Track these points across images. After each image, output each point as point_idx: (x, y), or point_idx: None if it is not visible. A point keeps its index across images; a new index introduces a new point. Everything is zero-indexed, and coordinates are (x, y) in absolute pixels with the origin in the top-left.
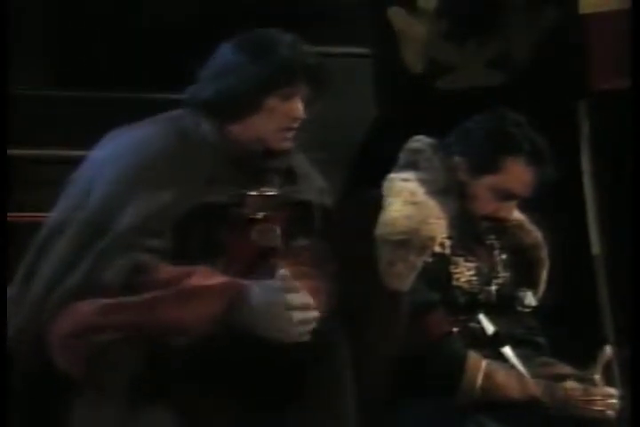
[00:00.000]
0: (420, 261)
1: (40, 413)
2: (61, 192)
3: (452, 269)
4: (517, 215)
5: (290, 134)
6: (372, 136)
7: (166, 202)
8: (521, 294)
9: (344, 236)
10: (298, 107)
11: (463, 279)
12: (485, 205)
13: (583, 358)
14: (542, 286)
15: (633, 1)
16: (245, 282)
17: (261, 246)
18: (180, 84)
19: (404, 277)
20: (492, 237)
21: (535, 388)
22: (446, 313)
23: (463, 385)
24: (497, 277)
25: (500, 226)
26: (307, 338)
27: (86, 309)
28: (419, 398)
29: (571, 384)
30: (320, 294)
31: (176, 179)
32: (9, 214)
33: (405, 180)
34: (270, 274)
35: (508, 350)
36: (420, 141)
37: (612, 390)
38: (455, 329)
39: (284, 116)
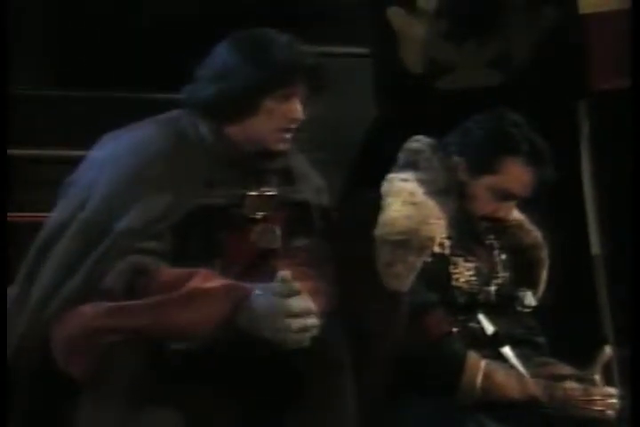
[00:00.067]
0: (419, 262)
1: (42, 414)
2: (59, 192)
3: (452, 269)
4: (517, 215)
5: (288, 135)
6: (371, 136)
7: (166, 204)
8: (520, 293)
9: (343, 236)
10: (297, 108)
11: (462, 279)
12: (485, 205)
13: (583, 358)
14: (542, 286)
15: (633, 1)
16: (248, 285)
17: (261, 248)
18: (180, 84)
19: (403, 277)
20: (492, 237)
21: (535, 388)
22: (446, 313)
23: (463, 385)
24: (496, 278)
25: (500, 226)
26: (306, 344)
27: (90, 311)
28: (419, 397)
29: (570, 384)
30: (319, 294)
31: (175, 180)
32: (9, 214)
33: (405, 180)
34: (270, 275)
35: (507, 350)
36: (419, 141)
37: (612, 390)
38: (455, 329)
39: (282, 118)
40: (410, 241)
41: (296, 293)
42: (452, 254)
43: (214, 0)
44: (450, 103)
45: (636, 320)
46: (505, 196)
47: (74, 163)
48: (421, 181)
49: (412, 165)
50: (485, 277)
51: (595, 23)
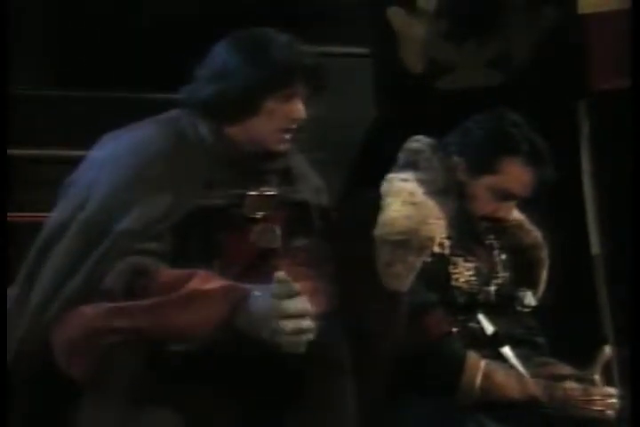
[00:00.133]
0: (419, 262)
1: (42, 416)
2: (59, 193)
3: (452, 269)
4: (517, 215)
5: (289, 135)
6: (371, 136)
7: (166, 204)
8: (520, 293)
9: (343, 236)
10: (298, 108)
11: (462, 279)
12: (484, 205)
13: (583, 358)
14: (542, 286)
15: (633, 1)
16: (247, 286)
17: (261, 248)
18: (180, 84)
19: (402, 277)
20: (492, 237)
21: (534, 388)
22: (445, 313)
23: (462, 385)
24: (496, 278)
25: (500, 226)
26: (302, 350)
27: (90, 312)
28: (419, 397)
29: (570, 384)
30: (319, 294)
31: (175, 180)
32: (9, 214)
33: (405, 180)
34: (270, 276)
35: (507, 350)
36: (419, 141)
37: (612, 390)
38: (454, 329)
39: (283, 118)
40: (409, 241)
41: (294, 294)
42: (452, 254)
43: (214, 0)
44: (450, 103)
45: (636, 320)
46: (505, 196)
47: (74, 163)
48: (421, 181)
49: (411, 165)
50: (485, 277)
51: (595, 23)
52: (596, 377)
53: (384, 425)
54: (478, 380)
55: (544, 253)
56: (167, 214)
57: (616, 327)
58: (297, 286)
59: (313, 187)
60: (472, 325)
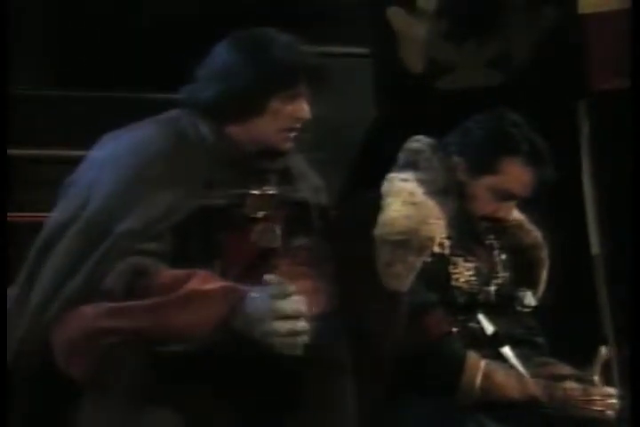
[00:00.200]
0: (418, 262)
1: (43, 414)
2: (59, 193)
3: (452, 269)
4: (517, 215)
5: (292, 135)
6: (371, 136)
7: (166, 205)
8: (520, 293)
9: (343, 236)
10: (303, 108)
11: (462, 279)
12: (485, 205)
13: (583, 358)
14: (542, 286)
15: (633, 1)
16: (245, 287)
17: (261, 247)
18: (180, 84)
19: (402, 277)
20: (492, 237)
21: (534, 388)
22: (445, 313)
23: (462, 385)
24: (496, 278)
25: (500, 226)
26: (299, 352)
27: (91, 312)
28: (419, 397)
29: (570, 384)
30: (319, 293)
31: (175, 180)
32: (9, 214)
33: (405, 180)
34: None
35: (507, 350)
36: (419, 141)
37: (612, 390)
38: (454, 329)
39: (288, 118)
40: (410, 241)
41: (288, 294)
42: (452, 254)
43: (214, 0)
44: (450, 103)
45: (636, 320)
46: (505, 196)
47: (74, 163)
48: (421, 181)
49: (412, 165)
50: (485, 277)
51: (595, 23)
52: (595, 378)
53: (384, 425)
54: (478, 380)
55: (544, 253)
56: (168, 214)
57: (616, 327)
58: (292, 286)
59: (312, 186)
60: (472, 325)
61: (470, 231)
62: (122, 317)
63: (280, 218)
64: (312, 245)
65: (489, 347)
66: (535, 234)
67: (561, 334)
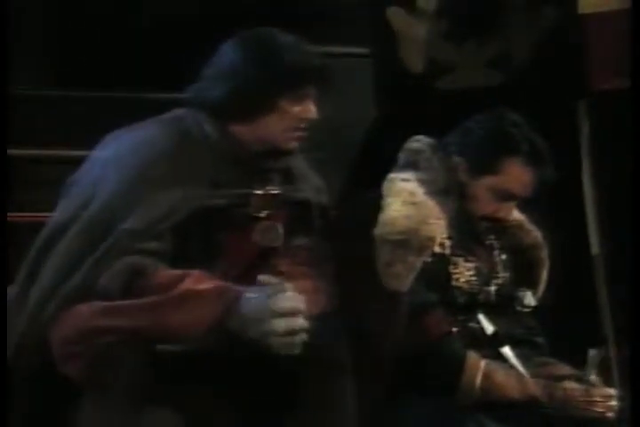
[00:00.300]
0: (419, 262)
1: (43, 414)
2: (61, 192)
3: (452, 269)
4: (517, 215)
5: (298, 135)
6: (371, 136)
7: (169, 204)
8: (520, 293)
9: (343, 236)
10: (311, 108)
11: (463, 279)
12: (485, 205)
13: (583, 358)
14: (542, 286)
15: (633, 1)
16: (240, 287)
17: (262, 247)
18: (180, 83)
19: (402, 277)
20: (492, 237)
21: (534, 388)
22: (446, 313)
23: (462, 385)
24: (496, 278)
25: (500, 226)
26: (296, 351)
27: (86, 311)
28: (419, 397)
29: (570, 384)
30: (319, 293)
31: (179, 180)
32: (9, 214)
33: (405, 180)
34: (270, 275)
35: (507, 350)
36: (419, 141)
37: (612, 392)
38: (454, 329)
39: (295, 118)
40: (410, 241)
41: (285, 293)
42: (453, 254)
43: (214, 0)
44: (450, 103)
45: (636, 320)
46: (505, 196)
47: (74, 163)
48: (422, 181)
49: (412, 165)
50: (485, 278)
51: (595, 23)
52: (592, 378)
53: (384, 425)
54: (478, 380)
55: (544, 254)
56: (169, 214)
57: (616, 327)
58: (288, 284)
59: (314, 186)
60: (472, 325)
61: (470, 231)
62: (117, 316)
63: (282, 217)
64: (312, 245)
65: (489, 347)
66: (535, 234)
67: (561, 334)
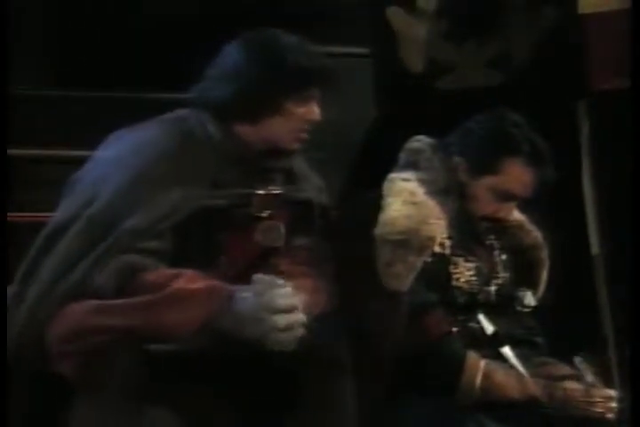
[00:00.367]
0: (419, 262)
1: (41, 413)
2: (62, 192)
3: (452, 269)
4: (517, 216)
5: (302, 135)
6: (371, 136)
7: (171, 203)
8: (520, 293)
9: (343, 236)
10: (315, 110)
11: (463, 279)
12: (485, 205)
13: (583, 358)
14: (542, 286)
15: (633, 1)
16: (232, 287)
17: (264, 246)
18: (180, 83)
19: (402, 277)
20: (492, 237)
21: (534, 388)
22: (445, 313)
23: (462, 385)
24: (496, 278)
25: (500, 226)
26: (291, 347)
27: (79, 310)
28: (419, 397)
29: (570, 384)
30: (319, 293)
31: (181, 180)
32: (9, 214)
33: (405, 180)
34: (270, 275)
35: (507, 350)
36: (420, 141)
37: (612, 393)
38: (454, 329)
39: (299, 119)
40: (410, 241)
41: (281, 289)
42: (453, 254)
43: (214, 0)
44: (450, 103)
45: (636, 320)
46: (505, 196)
47: (74, 163)
48: (422, 181)
49: (412, 165)
50: (485, 278)
51: (595, 23)
52: (591, 380)
53: (384, 425)
54: (478, 380)
55: (544, 254)
56: (171, 213)
57: (616, 327)
58: (282, 281)
59: (315, 186)
60: (472, 325)
61: (471, 231)
62: (110, 315)
63: (284, 217)
64: (312, 245)
65: (489, 347)
66: (535, 234)
67: (561, 334)
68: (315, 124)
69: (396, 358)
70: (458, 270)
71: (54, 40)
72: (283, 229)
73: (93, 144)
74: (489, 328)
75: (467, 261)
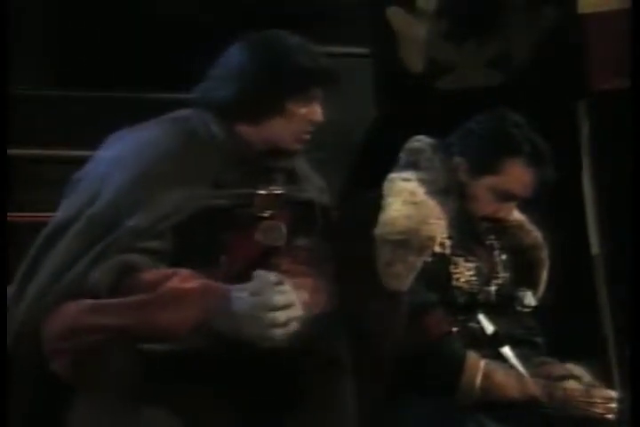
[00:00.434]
0: (419, 262)
1: (40, 412)
2: (63, 192)
3: (452, 269)
4: (517, 216)
5: (304, 136)
6: (371, 136)
7: (172, 205)
8: (520, 293)
9: (343, 236)
10: (317, 111)
11: (463, 279)
12: (485, 205)
13: (583, 357)
14: (542, 286)
15: (633, 1)
16: (226, 286)
17: (265, 246)
18: (181, 83)
19: (402, 277)
20: (492, 237)
21: (534, 388)
22: (446, 313)
23: (462, 385)
24: (497, 278)
25: (500, 226)
26: (285, 343)
27: (74, 308)
28: (419, 397)
29: (570, 384)
30: (320, 292)
31: (183, 180)
32: (9, 214)
33: (406, 179)
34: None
35: (507, 350)
36: (420, 141)
37: (612, 393)
38: (454, 329)
39: (302, 121)
40: (410, 241)
41: (278, 286)
42: (453, 254)
43: (214, 0)
44: (450, 103)
45: (636, 320)
46: (506, 196)
47: (74, 163)
48: (422, 181)
49: (413, 165)
50: (485, 278)
51: (595, 23)
52: (589, 381)
53: (384, 425)
54: (478, 380)
55: (544, 254)
56: (172, 213)
57: (616, 327)
58: (278, 277)
59: (317, 186)
60: (472, 325)
61: (471, 231)
62: (105, 314)
63: (285, 217)
64: (313, 245)
65: (489, 347)
66: (535, 234)
67: (561, 334)
68: (317, 125)
69: (396, 358)
70: (458, 270)
71: (54, 40)
72: (284, 229)
73: (93, 144)
74: (489, 328)
75: (467, 261)
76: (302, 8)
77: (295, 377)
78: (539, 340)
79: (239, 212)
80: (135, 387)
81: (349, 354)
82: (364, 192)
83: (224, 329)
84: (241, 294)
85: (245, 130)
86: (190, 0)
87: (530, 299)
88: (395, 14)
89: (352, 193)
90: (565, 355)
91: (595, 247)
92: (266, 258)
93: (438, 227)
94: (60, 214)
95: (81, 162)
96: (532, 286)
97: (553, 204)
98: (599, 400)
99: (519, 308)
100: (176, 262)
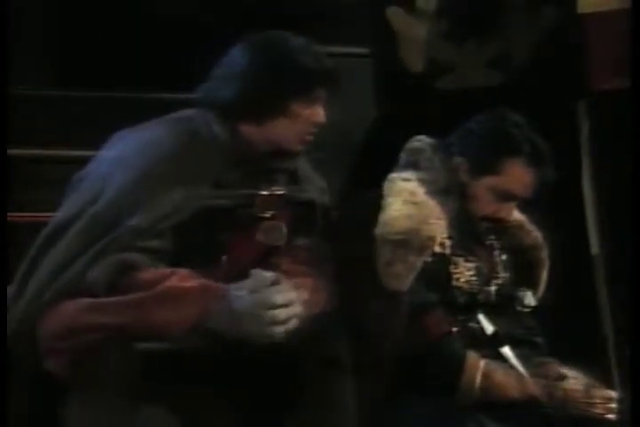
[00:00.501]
0: (419, 262)
1: (38, 411)
2: (64, 192)
3: (452, 269)
4: (517, 216)
5: (307, 137)
6: (371, 136)
7: (173, 205)
8: (520, 293)
9: (343, 236)
10: (320, 112)
11: (463, 279)
12: (485, 205)
13: (583, 358)
14: (542, 287)
15: (633, 1)
16: (224, 285)
17: (266, 246)
18: (181, 83)
19: (402, 277)
20: (492, 237)
21: (534, 388)
22: (445, 313)
23: (462, 385)
24: (497, 278)
25: (500, 226)
26: (282, 340)
27: (72, 307)
28: (419, 397)
29: (571, 384)
30: (320, 292)
31: (184, 180)
32: (9, 214)
33: (406, 179)
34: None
35: (507, 350)
36: (420, 141)
37: (612, 394)
38: (454, 329)
39: (305, 121)
40: (410, 241)
41: (277, 284)
42: (453, 254)
43: (214, 0)
44: (450, 103)
45: (636, 320)
46: (506, 196)
47: (74, 163)
48: (422, 181)
49: (413, 165)
50: (485, 278)
51: (595, 23)
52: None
53: (384, 425)
54: (478, 380)
55: (544, 254)
56: (173, 213)
57: (616, 327)
58: (276, 275)
59: (318, 187)
60: (472, 325)
61: (471, 231)
62: (103, 312)
63: (286, 217)
64: (313, 245)
65: (489, 347)
66: (535, 234)
67: (561, 334)
68: (320, 126)
69: (396, 358)
70: (458, 270)
71: (54, 40)
72: (285, 229)
73: (93, 144)
74: (489, 328)
75: (467, 261)
76: (302, 8)
77: (295, 377)
78: (539, 340)
79: (240, 212)
80: (133, 386)
81: (349, 354)
82: (364, 192)
83: (223, 328)
84: (240, 293)
85: (248, 130)
86: (190, 0)
87: (530, 299)
88: (395, 14)
89: (352, 193)
90: (565, 355)
91: (595, 247)
92: (266, 258)
93: (438, 227)
94: (60, 214)
95: (81, 162)
96: (532, 286)
97: (553, 204)
98: (599, 400)
99: (519, 308)
100: (176, 262)
